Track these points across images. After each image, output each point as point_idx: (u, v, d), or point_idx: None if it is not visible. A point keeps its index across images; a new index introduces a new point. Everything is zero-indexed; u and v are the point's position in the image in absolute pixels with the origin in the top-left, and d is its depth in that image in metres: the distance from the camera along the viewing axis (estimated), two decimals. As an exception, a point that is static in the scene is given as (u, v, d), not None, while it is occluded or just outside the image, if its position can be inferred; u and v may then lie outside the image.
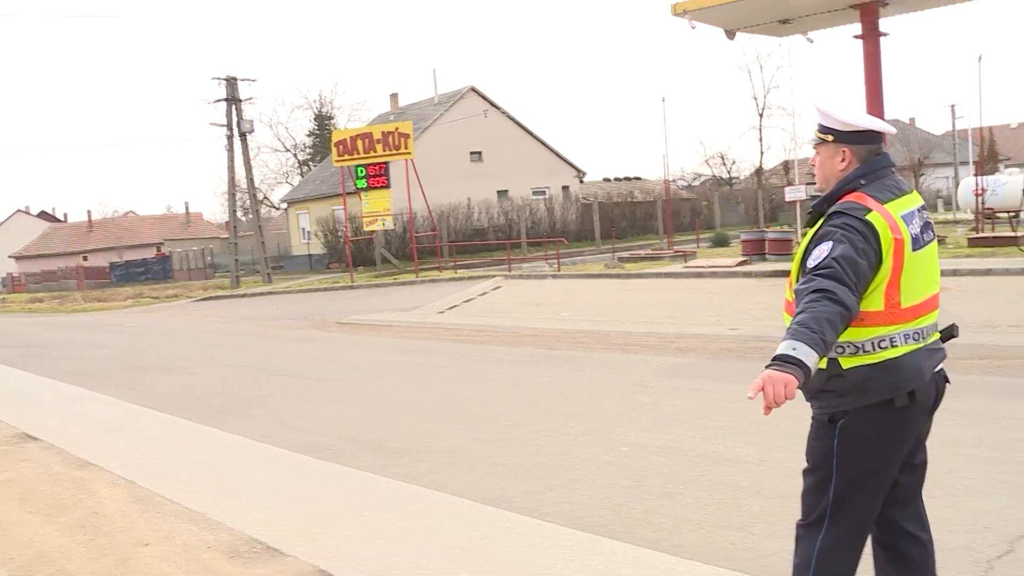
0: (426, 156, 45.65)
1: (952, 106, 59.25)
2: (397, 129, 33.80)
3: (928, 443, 3.19)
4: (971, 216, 26.36)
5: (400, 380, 11.10)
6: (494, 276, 27.35)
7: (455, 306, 20.49)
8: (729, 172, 64.59)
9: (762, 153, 53.77)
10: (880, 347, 2.91)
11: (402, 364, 12.48)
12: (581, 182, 55.61)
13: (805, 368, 2.66)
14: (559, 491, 5.92)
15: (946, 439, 5.76)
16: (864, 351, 2.92)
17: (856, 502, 3.01)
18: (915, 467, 3.16)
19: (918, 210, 3.05)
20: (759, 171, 54.63)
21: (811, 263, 2.89)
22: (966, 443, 6.07)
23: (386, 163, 33.76)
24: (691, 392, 8.68)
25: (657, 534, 4.97)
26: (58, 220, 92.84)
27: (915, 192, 3.11)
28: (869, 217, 2.89)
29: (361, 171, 33.52)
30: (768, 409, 2.67)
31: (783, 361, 2.67)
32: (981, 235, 22.57)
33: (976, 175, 26.64)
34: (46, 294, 56.93)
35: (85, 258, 71.87)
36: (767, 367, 2.67)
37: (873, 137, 3.08)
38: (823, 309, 2.73)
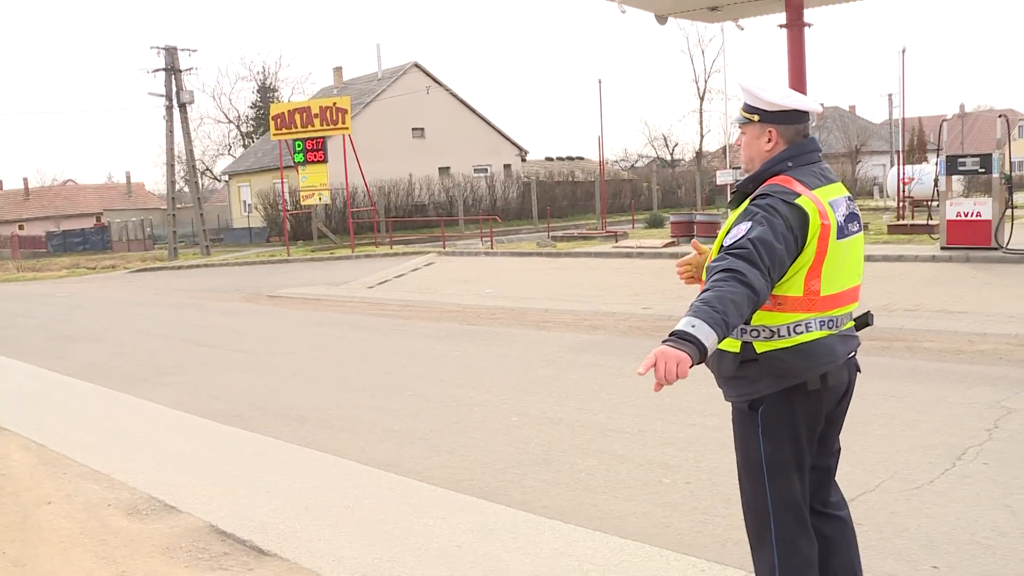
0: (368, 131, 45.68)
1: (890, 95, 60.47)
2: (335, 104, 33.81)
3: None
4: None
5: (316, 352, 11.42)
6: (428, 252, 27.64)
7: (386, 281, 20.75)
8: (672, 154, 65.41)
9: (702, 136, 54.89)
10: (795, 332, 2.89)
11: (322, 337, 12.78)
12: (523, 160, 55.93)
13: (702, 347, 2.57)
14: (445, 456, 6.32)
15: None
16: (779, 336, 2.90)
17: (787, 483, 3.02)
18: (832, 453, 3.21)
19: (845, 200, 3.02)
20: (699, 154, 55.45)
21: (727, 242, 2.83)
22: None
23: (324, 138, 33.78)
24: (592, 367, 9.11)
25: (527, 496, 5.38)
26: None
27: (840, 183, 3.09)
28: (798, 202, 2.85)
29: (299, 145, 33.53)
30: (659, 386, 2.57)
31: (679, 338, 2.58)
32: (900, 223, 23.36)
33: (899, 164, 27.46)
34: (-22, 263, 55.87)
35: (21, 227, 70.48)
36: (663, 342, 2.59)
37: (799, 117, 3.03)
38: (729, 290, 2.65)
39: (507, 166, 53.45)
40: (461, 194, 45.36)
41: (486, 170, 51.58)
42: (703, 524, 4.72)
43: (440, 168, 49.41)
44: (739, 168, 22.10)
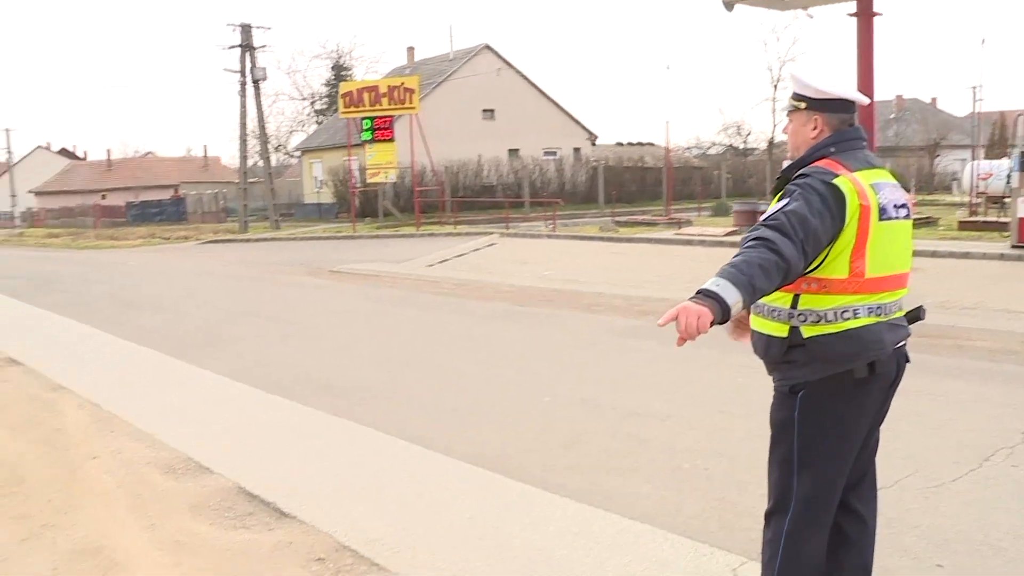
0: (439, 112, 45.90)
1: (973, 87, 58.85)
2: (403, 84, 34.08)
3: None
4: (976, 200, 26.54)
5: (366, 327, 11.65)
6: (491, 233, 27.79)
7: (446, 260, 20.95)
8: (745, 143, 64.51)
9: (775, 125, 53.63)
10: (842, 317, 2.89)
11: (374, 312, 13.02)
12: (593, 145, 55.67)
13: (724, 304, 2.60)
14: (474, 432, 6.44)
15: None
16: (826, 320, 2.90)
17: (818, 477, 3.00)
18: (869, 447, 3.19)
19: (892, 186, 3.03)
20: (771, 143, 54.58)
21: (763, 216, 2.88)
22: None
23: (392, 117, 34.10)
24: (632, 351, 9.15)
25: (547, 474, 5.48)
26: (78, 158, 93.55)
27: (885, 169, 3.10)
28: (836, 181, 2.86)
29: (368, 123, 33.92)
30: (681, 340, 2.62)
31: (703, 295, 2.63)
32: (971, 219, 22.81)
33: (974, 159, 26.77)
34: (62, 230, 57.74)
35: (103, 196, 72.58)
36: (688, 299, 2.64)
37: (846, 106, 3.05)
38: (757, 255, 2.68)
39: (576, 150, 53.27)
40: (529, 176, 45.39)
41: (555, 153, 51.50)
42: (713, 510, 4.77)
43: (510, 150, 49.46)
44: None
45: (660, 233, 24.51)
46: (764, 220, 2.83)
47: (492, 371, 8.48)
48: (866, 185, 2.91)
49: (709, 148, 68.09)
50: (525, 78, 51.83)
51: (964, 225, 21.80)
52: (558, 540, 4.44)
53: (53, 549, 4.63)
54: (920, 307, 3.16)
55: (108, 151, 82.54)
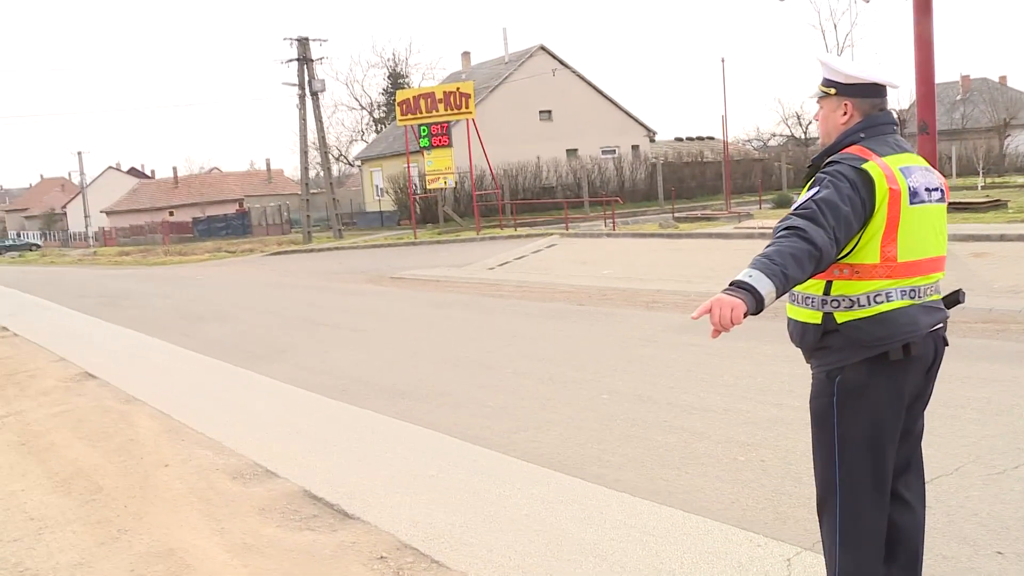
0: (496, 115, 46.21)
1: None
2: (459, 89, 34.35)
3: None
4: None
5: (426, 331, 11.80)
6: (551, 234, 27.85)
7: (506, 263, 21.08)
8: (805, 133, 63.59)
9: (836, 113, 52.78)
10: (875, 301, 2.90)
11: (434, 316, 13.18)
12: (652, 141, 55.46)
13: (757, 295, 2.64)
14: (532, 431, 6.52)
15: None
16: (859, 305, 2.91)
17: (862, 463, 3.00)
18: (914, 434, 3.16)
19: (923, 170, 3.01)
20: (832, 132, 53.72)
21: (794, 205, 2.91)
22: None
23: (448, 123, 34.39)
24: (691, 347, 9.14)
25: (603, 470, 5.54)
26: (146, 176, 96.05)
27: (914, 154, 3.09)
28: (865, 167, 2.87)
29: (424, 130, 34.26)
30: (716, 332, 2.65)
31: (736, 287, 2.66)
32: (1043, 200, 22.21)
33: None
34: (133, 247, 59.33)
35: (171, 213, 74.43)
36: (722, 291, 2.67)
37: (876, 90, 3.05)
38: (789, 244, 2.72)
39: (635, 147, 53.12)
40: (588, 176, 45.36)
41: (614, 151, 51.39)
42: (769, 501, 4.78)
43: (568, 150, 49.54)
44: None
45: (720, 228, 24.32)
46: (795, 209, 2.85)
47: (551, 370, 8.56)
48: (895, 170, 2.91)
49: (769, 139, 67.37)
50: (581, 77, 51.84)
51: (1035, 207, 21.24)
52: (613, 533, 4.50)
53: (129, 552, 4.83)
54: (959, 290, 3.12)
55: (174, 168, 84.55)
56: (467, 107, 34.09)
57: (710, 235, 22.66)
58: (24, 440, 7.58)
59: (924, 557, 3.89)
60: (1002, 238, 16.31)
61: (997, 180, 40.36)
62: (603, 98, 52.83)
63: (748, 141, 68.08)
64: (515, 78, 48.76)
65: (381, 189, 52.08)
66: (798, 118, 62.83)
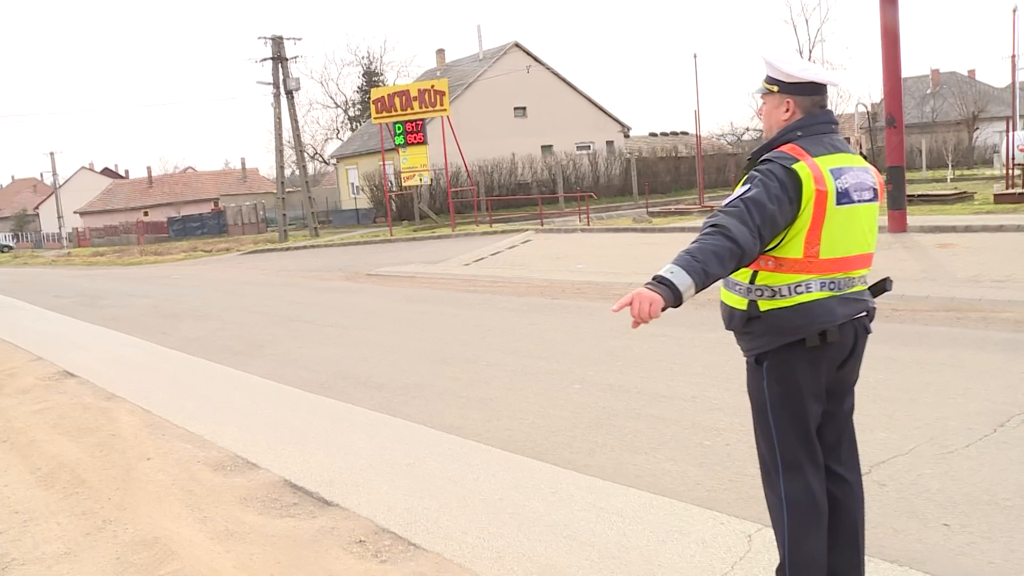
0: (471, 112, 46.34)
1: (1012, 57, 57.95)
2: (433, 87, 34.47)
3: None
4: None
5: (403, 326, 11.97)
6: (526, 230, 28.05)
7: (481, 259, 21.24)
8: (776, 126, 63.97)
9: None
10: (795, 292, 3.06)
11: (410, 312, 13.34)
12: (626, 137, 55.76)
13: (675, 290, 2.82)
14: (506, 420, 6.71)
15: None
16: (780, 295, 3.07)
17: (794, 440, 3.19)
18: (843, 413, 3.33)
19: (857, 170, 3.14)
20: (804, 126, 54.18)
21: (724, 201, 3.05)
22: (872, 384, 6.70)
23: (423, 120, 34.50)
24: (661, 338, 9.35)
25: (575, 455, 5.74)
26: (120, 176, 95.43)
27: (855, 155, 3.21)
28: (795, 167, 2.99)
29: (399, 128, 34.37)
30: (635, 323, 2.86)
31: (657, 282, 2.84)
32: (1007, 192, 22.61)
33: (1009, 130, 26.50)
34: (108, 248, 59.05)
35: (146, 213, 74.05)
36: (644, 285, 2.86)
37: (816, 89, 3.16)
38: (712, 242, 2.87)
39: (610, 143, 53.41)
40: (563, 172, 45.58)
41: (589, 147, 51.66)
42: (732, 483, 4.99)
43: (543, 146, 49.76)
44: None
45: (693, 222, 24.58)
46: (723, 206, 3.01)
47: (524, 362, 8.75)
48: (824, 171, 3.04)
49: (743, 134, 67.77)
50: (555, 74, 52.05)
51: (1000, 198, 21.63)
52: (583, 515, 4.70)
53: (115, 541, 4.97)
54: (886, 279, 3.31)
55: (148, 168, 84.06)
56: (442, 104, 34.22)
57: (683, 229, 22.91)
58: (5, 437, 7.69)
59: (876, 531, 4.14)
60: (967, 229, 16.67)
61: (966, 172, 40.92)
62: (577, 94, 53.07)
63: (722, 136, 68.56)
64: (490, 75, 48.91)
65: (356, 187, 52.10)
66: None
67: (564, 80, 52.56)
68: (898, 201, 16.95)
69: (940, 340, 8.21)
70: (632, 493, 4.95)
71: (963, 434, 5.47)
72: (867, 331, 3.27)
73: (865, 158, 3.34)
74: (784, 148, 3.11)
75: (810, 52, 51.89)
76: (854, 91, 73.60)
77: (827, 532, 3.29)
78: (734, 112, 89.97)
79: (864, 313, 3.21)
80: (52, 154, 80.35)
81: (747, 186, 3.03)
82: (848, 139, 19.52)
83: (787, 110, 3.19)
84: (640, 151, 52.07)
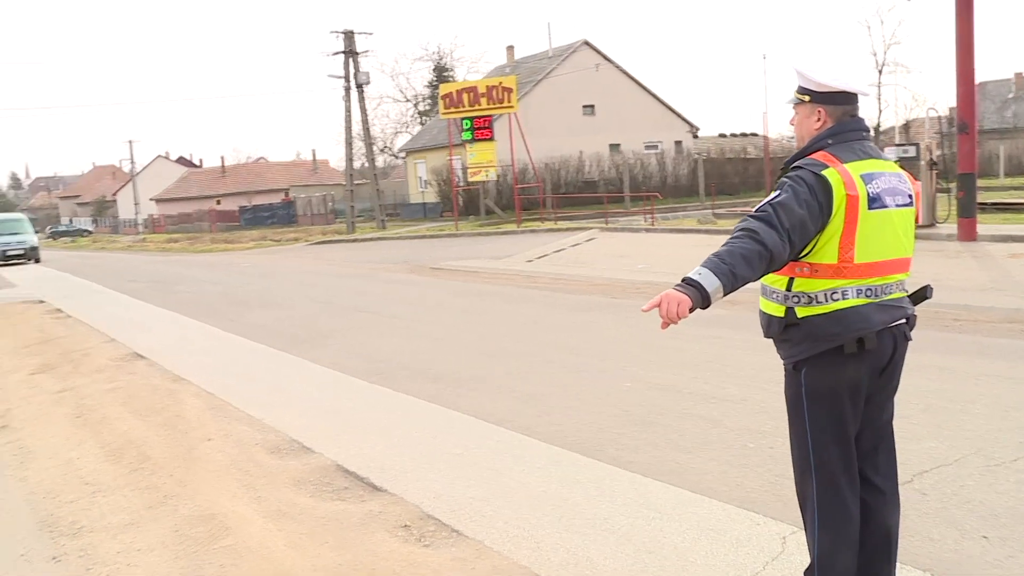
0: (539, 109, 46.46)
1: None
2: (501, 83, 34.66)
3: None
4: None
5: (462, 320, 12.16)
6: (590, 228, 28.09)
7: (544, 256, 21.37)
8: (851, 130, 62.89)
9: (880, 111, 52.20)
10: (832, 299, 3.08)
11: (471, 306, 13.53)
12: (695, 137, 55.35)
13: (703, 292, 2.90)
14: (556, 415, 6.83)
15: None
16: (817, 302, 3.09)
17: (829, 447, 3.20)
18: (881, 421, 3.33)
19: (890, 175, 3.17)
20: (876, 130, 53.23)
21: (755, 208, 3.11)
22: (924, 393, 6.66)
23: (491, 116, 34.72)
24: (715, 339, 9.38)
25: (619, 452, 5.84)
26: (195, 166, 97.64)
27: (889, 161, 3.24)
28: (824, 173, 3.04)
29: (467, 123, 34.64)
30: (664, 324, 2.94)
31: (686, 283, 2.92)
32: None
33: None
34: (181, 235, 60.50)
35: (218, 202, 75.62)
36: (673, 287, 2.94)
37: (847, 98, 3.21)
38: (740, 245, 2.94)
39: (678, 143, 53.07)
40: (630, 171, 45.44)
41: (656, 147, 51.39)
42: (772, 485, 5.04)
43: (611, 145, 49.61)
44: (903, 146, 21.45)
45: (758, 224, 24.35)
46: (754, 211, 3.08)
47: (578, 359, 8.85)
48: (855, 176, 3.08)
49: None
50: (624, 72, 51.90)
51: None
52: (623, 510, 4.80)
53: (174, 515, 5.23)
54: (927, 287, 3.30)
55: (222, 158, 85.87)
56: (509, 101, 34.39)
57: (748, 232, 22.74)
58: (79, 413, 8.05)
59: (912, 539, 4.17)
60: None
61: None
62: (646, 93, 52.84)
63: (791, 138, 67.54)
64: (559, 72, 48.96)
65: (425, 181, 52.56)
66: (844, 115, 62.12)
67: (633, 79, 52.37)
68: (968, 209, 16.62)
69: (1000, 352, 8.11)
70: (672, 491, 5.04)
71: (1012, 448, 5.43)
72: (907, 338, 3.27)
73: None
74: (815, 155, 3.16)
75: (884, 54, 50.95)
76: (929, 96, 71.92)
77: (859, 540, 3.30)
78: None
79: (904, 320, 3.22)
80: (131, 142, 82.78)
81: (777, 192, 3.09)
82: (917, 144, 19.15)
83: (818, 119, 3.24)
84: (708, 152, 51.64)
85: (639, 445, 5.96)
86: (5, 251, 36.48)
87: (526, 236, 28.96)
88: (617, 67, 51.46)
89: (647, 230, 26.41)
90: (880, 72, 51.56)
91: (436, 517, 4.92)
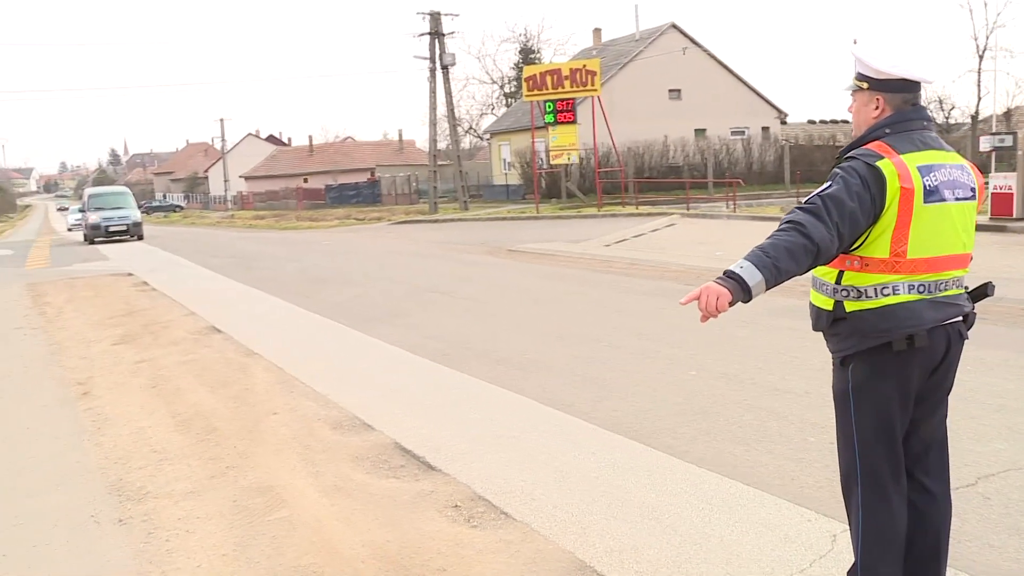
0: (625, 92, 46.10)
1: None
2: (585, 66, 34.45)
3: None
4: None
5: (532, 302, 12.17)
6: (672, 214, 27.81)
7: (623, 240, 21.23)
8: (947, 117, 60.87)
9: (979, 99, 50.26)
10: (882, 294, 2.99)
11: (543, 289, 13.52)
12: (783, 123, 54.20)
13: (744, 285, 2.85)
14: (616, 400, 6.81)
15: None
16: (866, 296, 3.01)
17: (876, 446, 3.11)
18: (933, 422, 3.23)
19: (951, 167, 3.05)
20: (975, 118, 51.33)
21: (804, 199, 3.03)
22: (999, 393, 6.44)
23: (574, 99, 34.55)
24: (787, 330, 9.21)
25: (675, 441, 5.79)
26: (283, 144, 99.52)
27: (951, 152, 3.11)
28: (878, 164, 2.94)
29: (550, 106, 34.54)
30: (704, 318, 2.90)
31: (727, 276, 2.86)
32: None
33: None
34: (268, 212, 61.81)
35: (305, 180, 76.94)
36: (714, 279, 2.88)
37: (907, 86, 3.08)
38: (786, 238, 2.88)
39: (765, 129, 52.01)
40: (715, 156, 44.77)
41: (743, 132, 50.42)
42: (828, 481, 4.93)
43: (696, 130, 48.89)
44: (999, 135, 20.68)
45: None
46: (802, 203, 2.99)
47: (645, 345, 8.79)
48: (912, 168, 2.97)
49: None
50: (712, 56, 51.07)
51: None
52: (672, 499, 4.77)
53: (234, 485, 5.37)
54: (988, 283, 3.19)
55: (310, 137, 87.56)
56: (593, 84, 34.17)
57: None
58: (155, 384, 8.31)
59: (970, 544, 4.05)
60: None
61: None
62: (734, 78, 51.92)
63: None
64: (645, 55, 48.42)
65: (508, 163, 52.58)
66: (940, 102, 60.05)
67: (720, 63, 51.50)
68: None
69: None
70: (725, 483, 4.97)
71: (1087, 451, 5.23)
72: (962, 337, 3.14)
73: None
74: (870, 146, 3.06)
75: (987, 38, 48.92)
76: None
77: (906, 543, 3.21)
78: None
79: (960, 318, 3.10)
80: (222, 120, 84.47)
81: (828, 183, 3.00)
82: (1014, 134, 18.42)
83: (876, 107, 3.13)
84: (796, 138, 50.45)
85: (696, 435, 5.90)
86: (107, 226, 34.10)
87: (606, 220, 28.80)
88: (705, 51, 50.66)
89: (728, 217, 26.03)
90: (981, 57, 49.50)
91: (486, 498, 4.96)
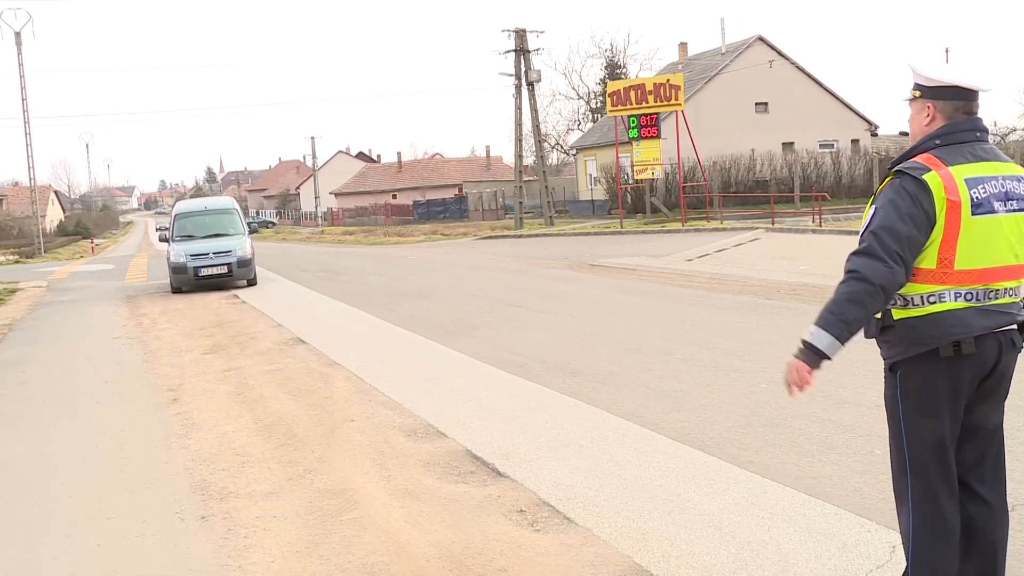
0: (711, 106, 45.78)
1: None
2: (668, 81, 34.34)
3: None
4: None
5: (610, 316, 12.25)
6: (756, 228, 27.54)
7: (705, 255, 21.12)
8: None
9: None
10: (928, 302, 3.04)
11: (621, 303, 13.59)
12: (873, 135, 53.05)
13: (815, 350, 3.05)
14: (684, 412, 6.87)
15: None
16: (913, 304, 3.06)
17: (926, 454, 3.13)
18: (987, 430, 3.22)
19: (1004, 179, 3.05)
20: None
21: (861, 229, 3.10)
22: None
23: (657, 114, 34.49)
24: (862, 344, 9.09)
25: (740, 451, 5.83)
26: (373, 161, 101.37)
27: (1008, 163, 3.10)
28: (925, 177, 2.96)
29: (634, 121, 34.53)
30: (791, 391, 3.16)
31: (802, 346, 3.09)
32: None
33: None
34: (357, 228, 63.04)
35: (394, 196, 78.17)
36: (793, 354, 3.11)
37: (960, 94, 3.06)
38: (845, 290, 3.00)
39: (855, 141, 50.97)
40: (801, 170, 44.09)
41: (832, 145, 49.60)
42: (891, 492, 4.89)
43: (784, 143, 48.24)
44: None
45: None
46: (858, 245, 3.07)
47: (718, 358, 8.81)
48: (959, 180, 2.99)
49: (1008, 134, 62.73)
50: (800, 68, 50.34)
51: None
52: (732, 507, 4.83)
53: (310, 488, 5.62)
54: None
55: (399, 153, 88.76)
56: (676, 99, 34.05)
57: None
58: (240, 391, 8.67)
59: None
60: None
61: None
62: (822, 90, 51.05)
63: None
64: (731, 69, 48.01)
65: (594, 178, 52.65)
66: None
67: (808, 75, 50.70)
68: None
69: None
70: (787, 492, 5.01)
71: None
72: (1015, 345, 3.14)
73: None
74: (919, 158, 3.09)
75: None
76: None
77: (960, 555, 3.21)
78: (997, 111, 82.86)
79: (1013, 326, 3.11)
80: (313, 138, 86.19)
81: (874, 209, 3.08)
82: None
83: (928, 115, 3.14)
84: (887, 151, 49.29)
85: (761, 446, 5.93)
86: (197, 268, 19.81)
87: (689, 235, 28.67)
88: (792, 63, 49.97)
89: (813, 231, 25.66)
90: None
91: (551, 504, 5.09)
